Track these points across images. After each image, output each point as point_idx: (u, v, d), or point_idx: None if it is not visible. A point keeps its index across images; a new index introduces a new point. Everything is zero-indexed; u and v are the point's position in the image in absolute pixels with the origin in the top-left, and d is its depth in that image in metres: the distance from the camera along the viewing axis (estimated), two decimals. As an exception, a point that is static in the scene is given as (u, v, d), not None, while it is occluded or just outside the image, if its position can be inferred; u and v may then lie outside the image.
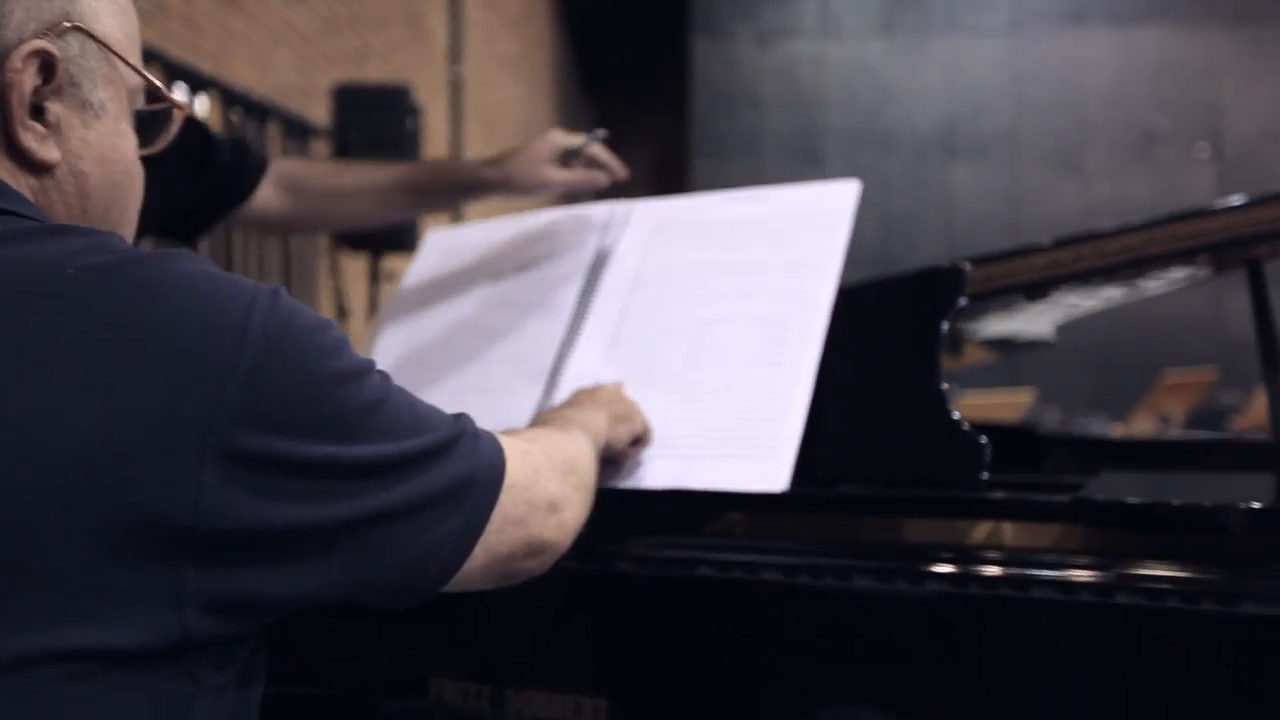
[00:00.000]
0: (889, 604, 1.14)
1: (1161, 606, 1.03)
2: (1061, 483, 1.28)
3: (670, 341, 1.42)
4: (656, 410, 1.32)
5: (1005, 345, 2.47)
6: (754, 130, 9.51)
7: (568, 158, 1.57)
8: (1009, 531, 1.22)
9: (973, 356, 2.50)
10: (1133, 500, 1.09)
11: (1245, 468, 1.67)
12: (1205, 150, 9.02)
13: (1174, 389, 5.20)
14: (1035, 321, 2.28)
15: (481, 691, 1.19)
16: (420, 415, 0.90)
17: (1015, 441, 1.98)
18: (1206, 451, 1.80)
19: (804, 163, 9.34)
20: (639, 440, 1.31)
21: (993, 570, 1.10)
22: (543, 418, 1.24)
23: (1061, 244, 1.48)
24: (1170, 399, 5.13)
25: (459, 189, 1.65)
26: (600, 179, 1.60)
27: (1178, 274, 1.55)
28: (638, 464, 1.31)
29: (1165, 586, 1.02)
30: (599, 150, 1.59)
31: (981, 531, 1.22)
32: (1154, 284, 1.59)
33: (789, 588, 1.18)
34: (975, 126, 9.47)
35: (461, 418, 0.94)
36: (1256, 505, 1.01)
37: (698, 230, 1.54)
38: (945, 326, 1.31)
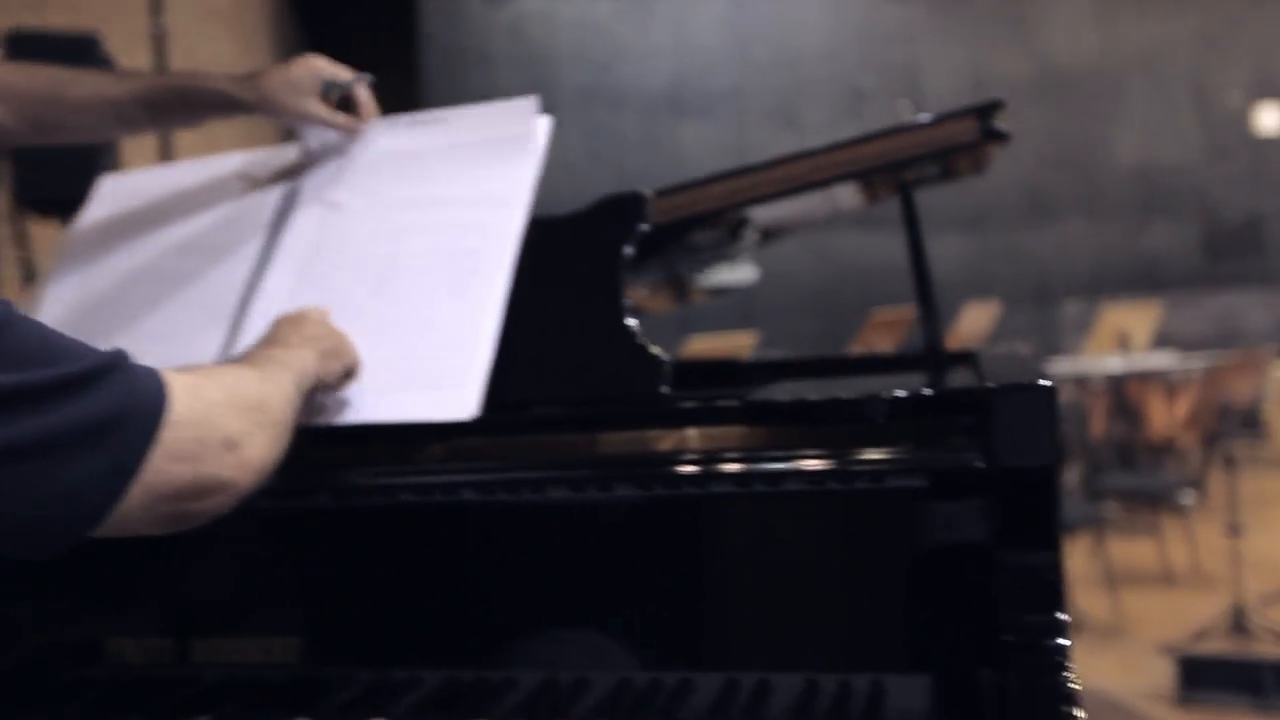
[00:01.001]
0: (584, 511, 1.18)
1: (822, 489, 1.12)
2: (739, 394, 1.36)
3: (359, 276, 1.40)
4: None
5: (721, 291, 2.66)
6: (485, 88, 9.41)
7: (328, 90, 1.49)
8: (694, 438, 1.29)
9: (698, 298, 2.66)
10: (792, 398, 1.18)
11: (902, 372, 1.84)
12: (907, 107, 9.71)
13: (882, 325, 5.62)
14: (741, 270, 2.52)
15: (164, 646, 1.15)
16: (54, 345, 0.84)
17: (723, 371, 2.11)
18: (873, 363, 1.95)
19: (539, 121, 9.33)
20: (349, 374, 1.28)
21: (679, 469, 1.16)
22: (244, 355, 1.19)
23: (736, 173, 1.57)
24: (879, 335, 5.54)
25: (205, 107, 1.51)
26: (358, 126, 1.52)
27: (845, 196, 1.68)
28: (332, 399, 1.29)
29: (825, 468, 1.11)
30: (363, 93, 1.52)
31: (669, 440, 1.28)
32: (824, 206, 1.71)
33: (489, 505, 1.21)
34: (702, 84, 9.78)
35: (115, 353, 0.89)
36: (895, 394, 1.12)
37: (389, 164, 1.52)
38: (628, 251, 1.35)
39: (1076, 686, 0.86)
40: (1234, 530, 4.21)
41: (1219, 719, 3.52)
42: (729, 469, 1.15)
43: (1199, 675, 3.71)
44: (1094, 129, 10.92)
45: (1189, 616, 4.45)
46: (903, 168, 1.57)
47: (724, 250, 2.41)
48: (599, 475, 1.18)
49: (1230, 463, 4.61)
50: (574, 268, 1.37)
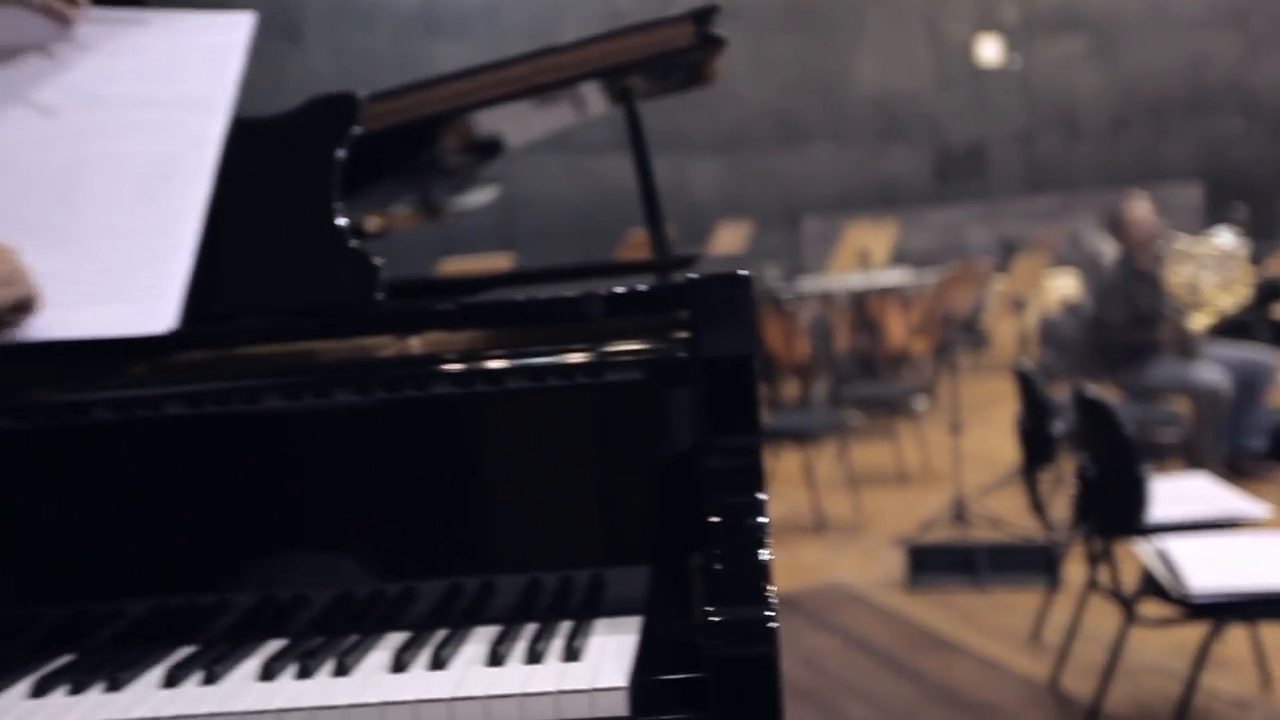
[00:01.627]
0: (304, 419, 1.13)
1: (543, 385, 1.12)
2: (457, 299, 1.34)
3: (39, 184, 1.27)
4: (30, 259, 1.18)
5: (465, 212, 2.65)
6: (228, 3, 8.77)
7: None
8: (417, 344, 1.26)
9: (447, 214, 2.64)
10: (506, 299, 1.17)
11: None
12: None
13: (640, 246, 5.71)
14: (486, 191, 2.52)
15: None
16: None
17: (458, 284, 2.08)
18: (602, 270, 1.97)
19: (283, 39, 8.82)
20: (23, 306, 1.17)
21: (399, 373, 1.13)
22: None
23: (461, 75, 1.52)
24: (637, 255, 5.64)
25: None
26: (70, 14, 1.35)
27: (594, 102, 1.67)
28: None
29: (545, 364, 1.11)
30: None
31: (391, 347, 1.25)
32: (554, 114, 1.70)
33: (199, 418, 1.13)
34: (456, 2, 9.49)
35: None
36: (602, 291, 1.13)
37: (83, 58, 1.38)
38: (340, 154, 1.29)
39: (769, 558, 0.90)
40: (955, 429, 4.59)
41: (942, 598, 3.87)
42: (449, 369, 1.13)
43: (925, 562, 4.05)
44: (837, 58, 11.41)
45: (920, 510, 4.84)
46: (626, 72, 1.56)
47: (473, 171, 2.39)
48: (314, 382, 1.14)
49: (954, 369, 5.01)
50: (283, 172, 1.29)
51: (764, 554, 0.92)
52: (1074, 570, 3.67)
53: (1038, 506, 3.39)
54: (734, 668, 0.84)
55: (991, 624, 3.60)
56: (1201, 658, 2.38)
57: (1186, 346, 4.80)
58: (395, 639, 1.05)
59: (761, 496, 0.97)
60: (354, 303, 1.20)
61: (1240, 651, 3.10)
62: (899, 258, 8.40)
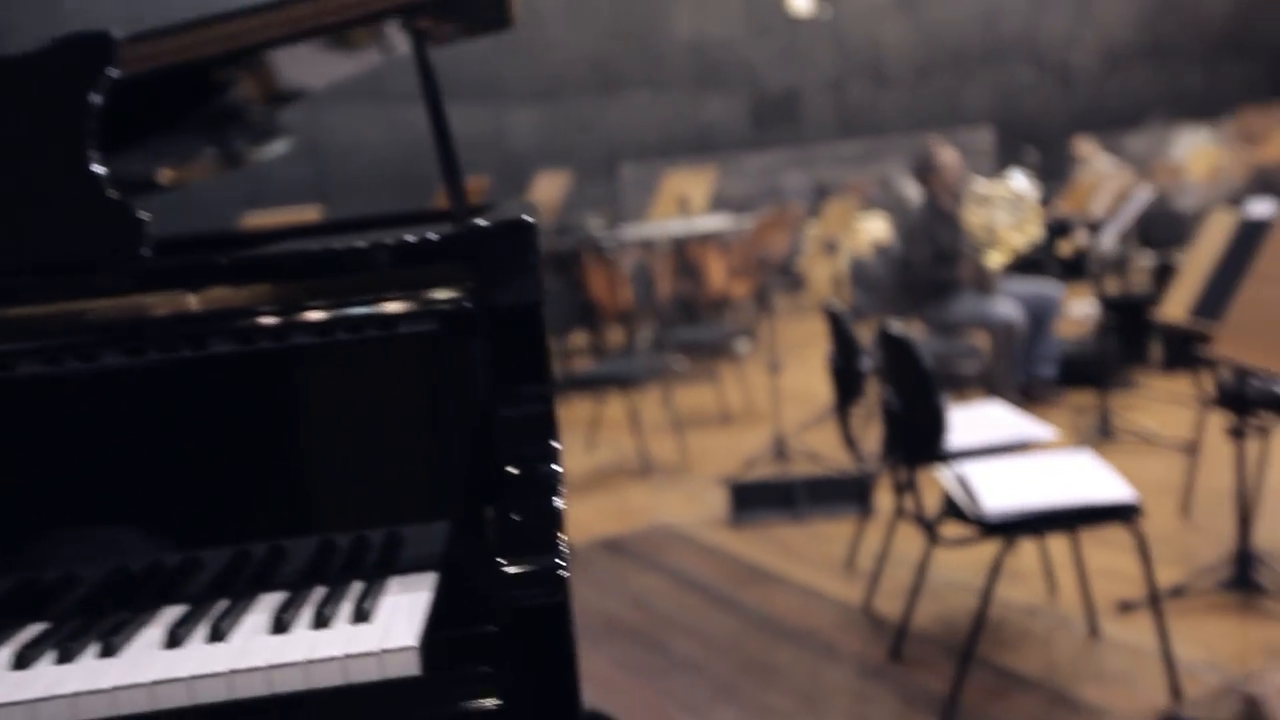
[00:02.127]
0: (63, 382, 1.05)
1: (331, 340, 1.07)
2: (237, 253, 1.27)
3: None
4: None
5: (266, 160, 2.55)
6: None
7: None
8: (194, 300, 1.18)
9: (250, 164, 2.52)
10: (287, 250, 1.11)
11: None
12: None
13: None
14: (285, 141, 2.43)
15: None
16: None
17: (244, 237, 1.98)
18: (396, 220, 1.91)
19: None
20: None
21: (170, 333, 1.06)
22: None
23: (235, 15, 1.43)
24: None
25: None
26: None
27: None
28: None
29: (331, 318, 1.06)
30: None
31: (164, 303, 1.17)
32: (357, 57, 1.63)
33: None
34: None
35: None
36: (400, 240, 1.09)
37: None
38: (95, 98, 1.19)
39: (563, 507, 0.90)
40: (775, 370, 4.72)
41: (763, 532, 4.00)
42: (227, 326, 1.07)
43: (747, 499, 4.17)
44: (654, 5, 11.41)
45: (742, 449, 4.97)
46: (414, 11, 1.50)
47: (274, 118, 2.27)
48: (78, 344, 1.05)
49: (772, 311, 5.14)
50: (29, 117, 1.18)
51: (557, 502, 0.91)
52: (885, 499, 3.85)
53: (849, 440, 3.53)
54: (526, 618, 0.83)
55: (810, 554, 3.75)
56: (995, 572, 2.54)
57: (984, 283, 5.06)
58: (172, 613, 0.99)
59: (555, 445, 0.96)
60: (116, 258, 1.11)
61: (1031, 564, 3.32)
62: (718, 204, 8.53)
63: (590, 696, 2.86)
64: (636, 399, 5.37)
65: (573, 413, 5.95)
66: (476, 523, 1.02)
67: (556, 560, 0.84)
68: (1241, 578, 2.95)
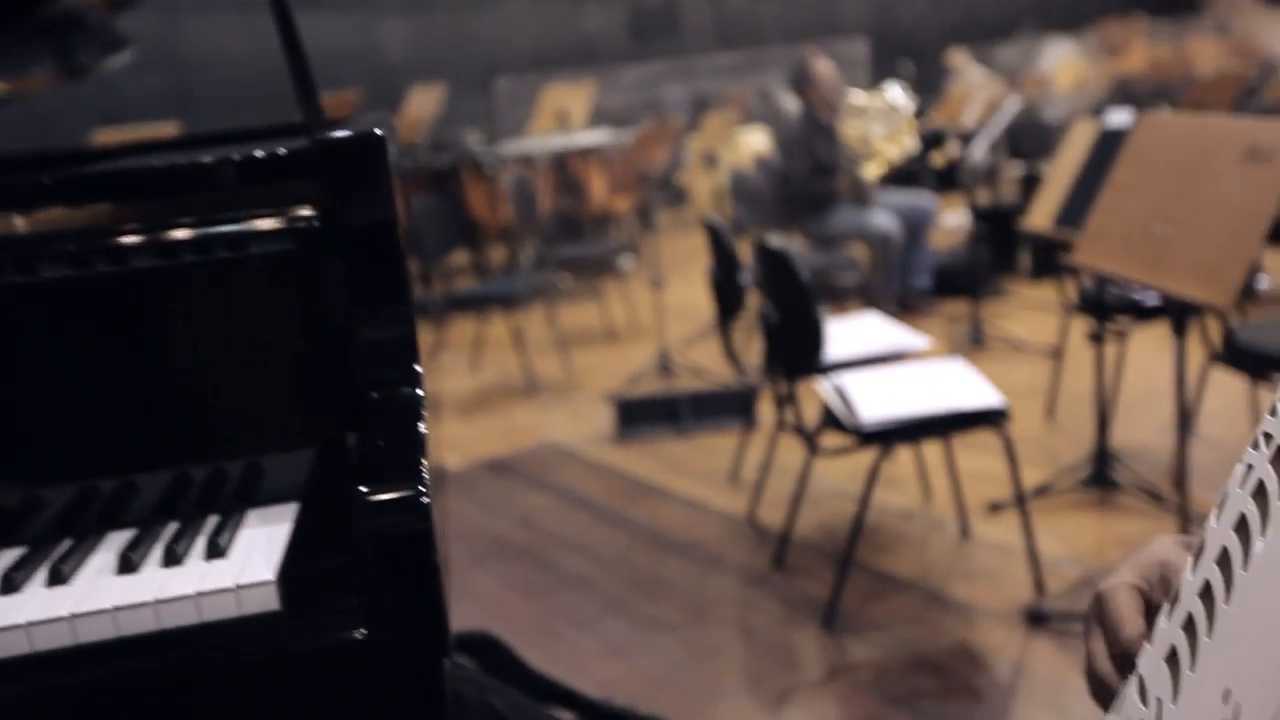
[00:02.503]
0: None
1: (178, 262, 1.01)
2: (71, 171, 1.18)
3: None
4: None
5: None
6: None
7: None
8: (22, 222, 1.10)
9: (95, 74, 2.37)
10: (124, 167, 1.03)
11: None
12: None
13: (328, 109, 5.37)
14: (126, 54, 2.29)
15: None
16: None
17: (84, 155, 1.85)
18: (248, 135, 1.82)
19: None
20: None
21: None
22: None
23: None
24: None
25: None
26: None
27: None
28: None
29: (175, 239, 1.00)
30: None
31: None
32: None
33: None
34: None
35: None
36: (247, 155, 1.02)
37: None
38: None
39: (426, 432, 0.86)
40: (658, 286, 4.71)
41: (650, 448, 4.03)
42: (68, 250, 0.99)
43: (633, 415, 4.19)
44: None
45: (627, 366, 4.98)
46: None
47: (109, 30, 2.11)
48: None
49: (654, 227, 5.11)
50: None
51: (421, 428, 0.88)
52: (768, 411, 3.91)
53: (731, 354, 3.56)
54: (389, 547, 0.81)
55: (695, 468, 3.79)
56: (872, 479, 2.60)
57: (861, 195, 5.12)
58: (9, 557, 0.93)
59: (417, 368, 0.92)
60: (-73, 178, 1.02)
61: (906, 470, 3.43)
62: (597, 117, 8.40)
63: (478, 617, 2.86)
64: (520, 318, 5.31)
65: (456, 333, 5.86)
66: (338, 450, 0.98)
67: (419, 487, 0.81)
68: (1100, 475, 3.10)
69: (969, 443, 3.01)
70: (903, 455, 3.49)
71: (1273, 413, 0.65)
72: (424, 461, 0.83)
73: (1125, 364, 3.65)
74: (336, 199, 0.95)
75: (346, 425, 0.96)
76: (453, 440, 4.40)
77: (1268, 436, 0.66)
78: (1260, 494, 0.65)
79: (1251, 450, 0.65)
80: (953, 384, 2.66)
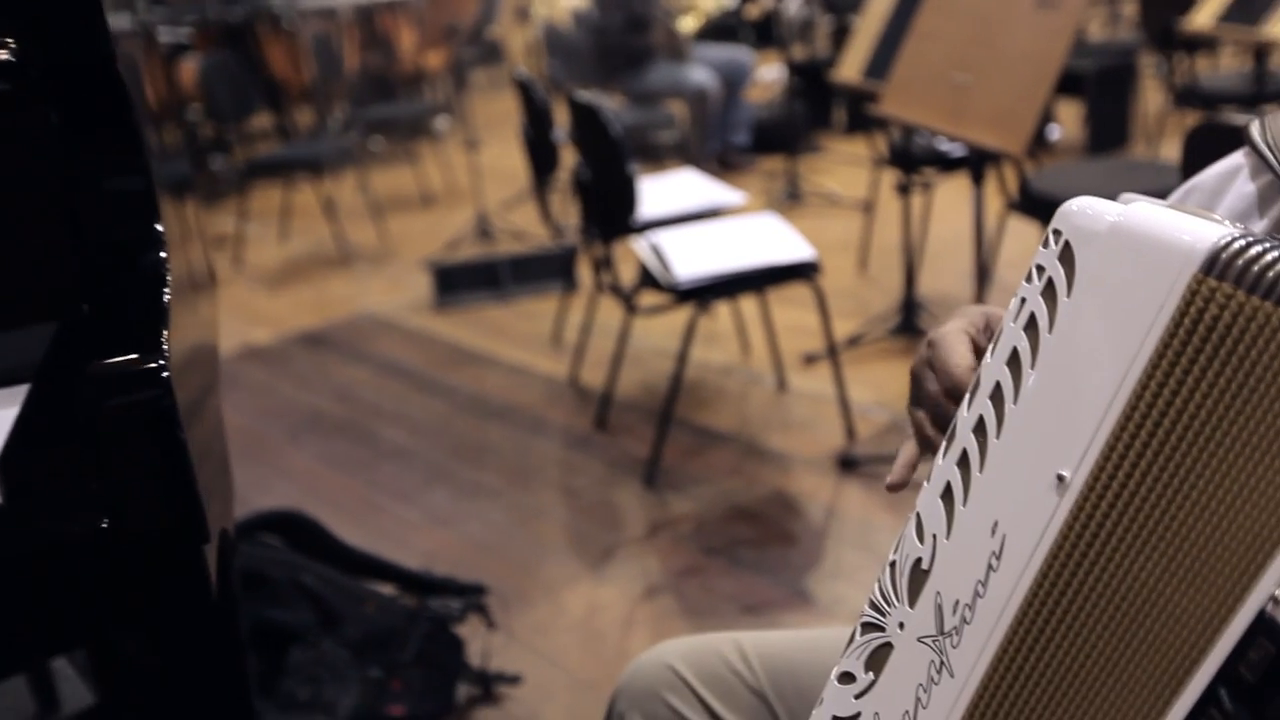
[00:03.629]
0: None
1: None
2: None
3: None
4: None
5: None
6: None
7: None
8: None
9: None
10: None
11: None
12: None
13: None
14: None
15: None
16: None
17: None
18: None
19: None
20: None
21: None
22: None
23: None
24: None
25: None
26: None
27: None
28: None
29: None
30: None
31: None
32: None
33: None
34: None
35: None
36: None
37: None
38: None
39: (169, 299, 0.77)
40: (473, 147, 4.54)
41: (470, 315, 3.94)
42: None
43: (451, 281, 4.08)
44: None
45: (446, 231, 4.83)
46: None
47: None
48: None
49: (468, 85, 4.89)
50: None
51: (164, 294, 0.79)
52: (588, 273, 3.87)
53: (548, 215, 3.48)
54: (126, 423, 0.72)
55: (517, 332, 3.74)
56: (689, 336, 2.61)
57: (677, 49, 5.03)
58: None
59: (156, 228, 0.82)
60: None
61: (726, 327, 3.47)
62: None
63: (296, 495, 2.77)
64: (330, 184, 5.05)
65: (262, 201, 5.54)
66: (74, 325, 0.87)
67: (159, 359, 0.73)
68: (907, 324, 3.22)
69: (785, 297, 3.06)
70: (722, 311, 3.53)
71: (1045, 244, 0.64)
72: (166, 332, 0.74)
73: (931, 215, 3.76)
74: (40, 33, 0.82)
75: (82, 297, 0.86)
76: (262, 314, 4.19)
77: (1039, 269, 0.65)
78: (1031, 327, 0.64)
79: (1025, 284, 0.64)
80: (766, 239, 2.67)
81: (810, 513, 2.45)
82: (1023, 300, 0.65)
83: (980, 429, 0.66)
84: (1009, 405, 0.64)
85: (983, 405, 0.66)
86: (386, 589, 1.95)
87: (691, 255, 2.59)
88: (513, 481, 2.73)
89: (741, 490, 2.57)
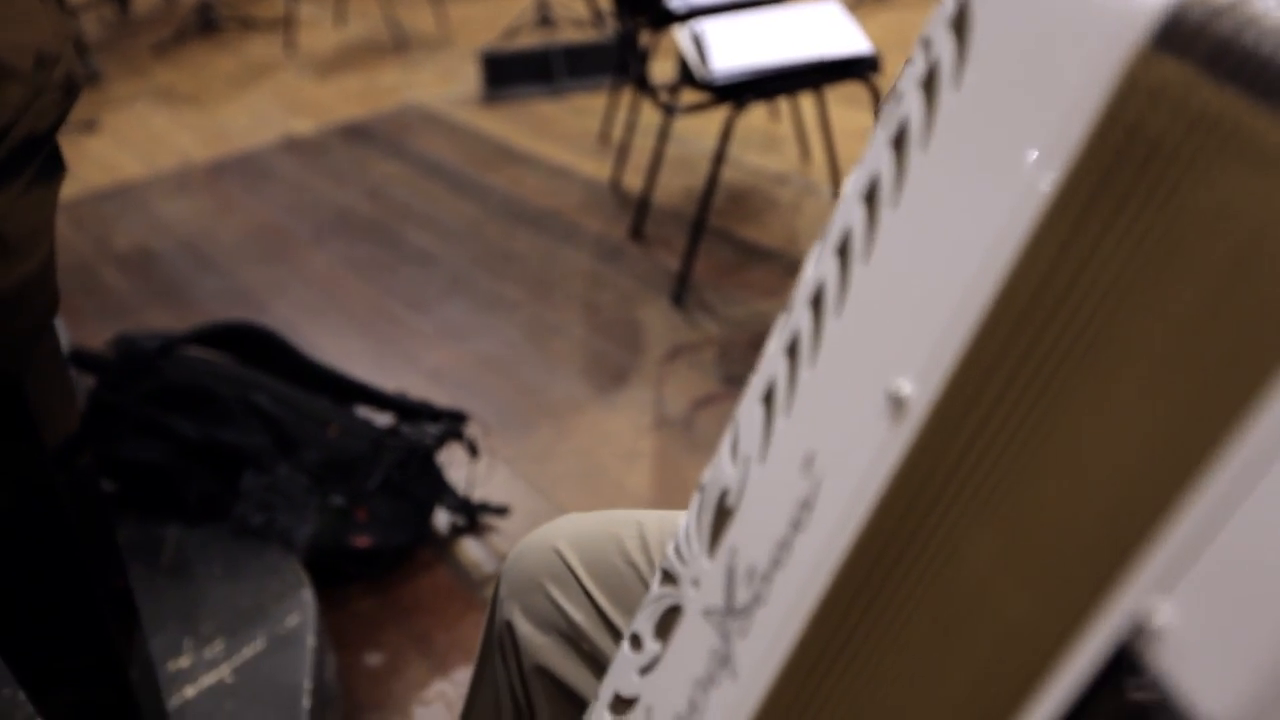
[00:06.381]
0: None
1: None
2: None
3: None
4: None
5: None
6: None
7: None
8: None
9: None
10: None
11: None
12: None
13: None
14: None
15: None
16: None
17: None
18: None
19: None
20: None
21: None
22: None
23: None
24: None
25: None
26: None
27: None
28: None
29: None
30: None
31: None
32: None
33: None
34: None
35: None
36: None
37: None
38: None
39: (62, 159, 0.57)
40: (535, -78, 4.14)
41: (518, 108, 3.67)
42: None
43: (501, 72, 3.79)
44: None
45: (507, 18, 4.49)
46: None
47: None
48: None
49: None
50: None
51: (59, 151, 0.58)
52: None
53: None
54: None
55: (565, 130, 3.47)
56: (725, 135, 2.32)
57: None
58: None
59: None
60: None
61: (787, 131, 3.14)
62: None
63: (310, 299, 2.63)
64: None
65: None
66: None
67: None
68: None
69: (847, 97, 2.71)
70: (784, 115, 3.19)
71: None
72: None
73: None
74: None
75: None
76: (308, 103, 3.99)
77: (925, 45, 0.40)
78: (901, 142, 0.40)
79: (905, 68, 0.39)
80: (820, 31, 2.32)
81: (846, 343, 2.21)
82: (899, 99, 0.39)
83: (818, 300, 0.42)
84: (856, 264, 0.40)
85: (829, 261, 0.42)
86: (366, 409, 1.81)
87: (734, 47, 2.27)
88: (534, 293, 2.54)
89: (776, 313, 2.33)
